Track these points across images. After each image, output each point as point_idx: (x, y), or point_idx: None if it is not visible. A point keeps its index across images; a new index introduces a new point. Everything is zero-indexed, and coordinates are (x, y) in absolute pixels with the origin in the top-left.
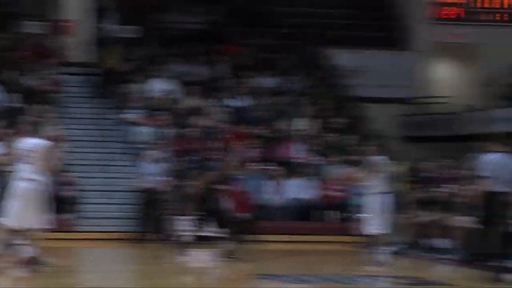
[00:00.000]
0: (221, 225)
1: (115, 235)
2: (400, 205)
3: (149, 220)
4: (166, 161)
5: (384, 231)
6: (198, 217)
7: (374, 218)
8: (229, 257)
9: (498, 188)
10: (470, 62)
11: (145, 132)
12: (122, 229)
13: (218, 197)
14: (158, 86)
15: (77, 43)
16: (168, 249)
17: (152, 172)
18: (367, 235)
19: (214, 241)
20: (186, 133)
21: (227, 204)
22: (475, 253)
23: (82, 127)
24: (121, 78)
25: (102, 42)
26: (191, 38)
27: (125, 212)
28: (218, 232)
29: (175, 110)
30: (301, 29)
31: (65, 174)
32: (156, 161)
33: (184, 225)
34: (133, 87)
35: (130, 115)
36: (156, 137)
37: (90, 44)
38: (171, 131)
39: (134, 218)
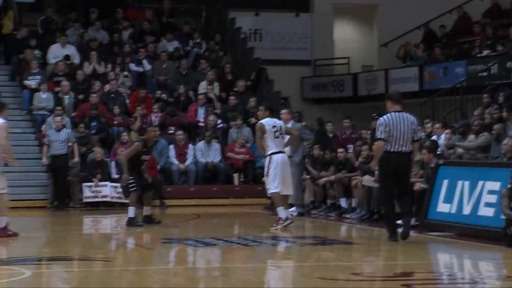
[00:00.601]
0: (130, 191)
1: (19, 204)
2: (303, 166)
3: (56, 187)
4: (68, 127)
5: (286, 192)
6: (107, 183)
7: (275, 180)
8: (137, 222)
9: (393, 148)
10: (368, 23)
11: (45, 98)
12: (26, 197)
13: (141, 167)
14: (57, 52)
15: None
16: (75, 215)
17: (56, 139)
18: (270, 197)
19: (121, 207)
20: (87, 98)
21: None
22: (376, 211)
23: None
24: (18, 43)
25: None
26: (91, 2)
27: (28, 180)
28: (127, 198)
29: (75, 76)
30: None
31: None
32: (59, 127)
33: (91, 191)
34: (31, 53)
35: (29, 82)
36: (57, 104)
37: None
38: (71, 97)
39: (38, 186)
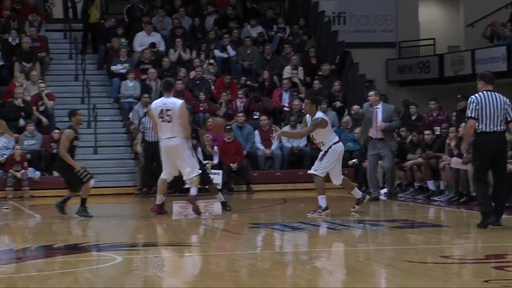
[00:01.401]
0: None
1: (108, 191)
2: (390, 149)
3: (149, 174)
4: None
5: (337, 182)
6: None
7: (328, 167)
8: (223, 208)
9: (486, 127)
10: (454, 3)
11: (132, 86)
12: (115, 184)
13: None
14: (143, 40)
15: None
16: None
17: (150, 126)
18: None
19: (207, 192)
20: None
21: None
22: (465, 194)
23: (67, 83)
24: (105, 32)
25: None
26: None
27: (117, 167)
28: (212, 183)
29: (161, 63)
30: None
31: (56, 131)
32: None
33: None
34: (117, 41)
35: (117, 67)
36: (144, 91)
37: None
38: (158, 84)
39: (127, 173)
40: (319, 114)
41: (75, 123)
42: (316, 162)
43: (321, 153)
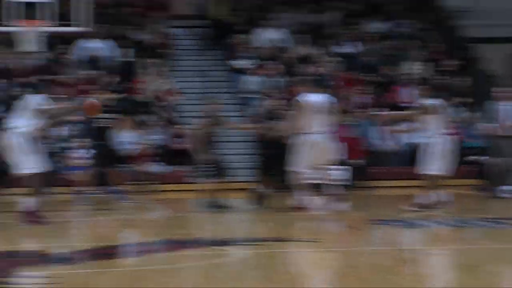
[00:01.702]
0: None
1: (231, 185)
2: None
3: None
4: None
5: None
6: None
7: (440, 160)
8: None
9: None
10: None
11: (255, 81)
12: (238, 179)
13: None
14: (267, 35)
15: None
16: (286, 197)
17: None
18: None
19: (329, 188)
20: (296, 81)
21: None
22: None
23: (192, 79)
24: (230, 28)
25: None
26: None
27: (238, 162)
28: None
29: (285, 59)
30: None
31: (178, 126)
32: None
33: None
34: (242, 37)
35: (240, 65)
36: (267, 87)
37: None
38: (281, 80)
39: (245, 168)
40: (430, 101)
41: (210, 111)
42: (428, 159)
43: (427, 147)
